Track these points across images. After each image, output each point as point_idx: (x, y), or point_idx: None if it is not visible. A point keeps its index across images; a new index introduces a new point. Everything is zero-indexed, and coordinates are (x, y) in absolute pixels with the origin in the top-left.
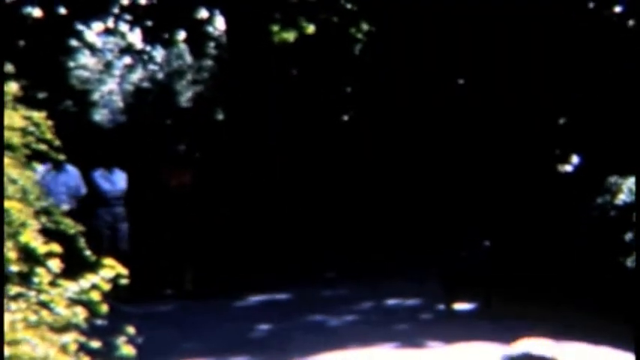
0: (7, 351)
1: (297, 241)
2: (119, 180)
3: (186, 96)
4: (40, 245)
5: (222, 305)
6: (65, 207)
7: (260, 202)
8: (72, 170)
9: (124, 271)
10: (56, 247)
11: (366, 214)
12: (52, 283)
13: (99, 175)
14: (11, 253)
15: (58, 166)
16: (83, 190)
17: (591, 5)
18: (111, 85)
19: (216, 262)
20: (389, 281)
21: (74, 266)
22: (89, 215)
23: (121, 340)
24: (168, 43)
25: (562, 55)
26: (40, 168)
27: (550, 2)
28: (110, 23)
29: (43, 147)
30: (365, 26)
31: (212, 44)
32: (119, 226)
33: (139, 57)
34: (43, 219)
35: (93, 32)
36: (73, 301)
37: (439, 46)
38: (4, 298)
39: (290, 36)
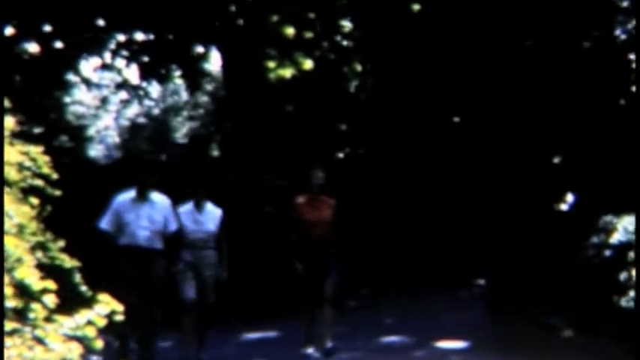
0: None
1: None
2: (208, 219)
3: (181, 132)
4: (35, 281)
5: (218, 341)
6: (142, 242)
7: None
8: (159, 202)
9: (119, 307)
10: (51, 284)
11: (357, 255)
12: (48, 319)
13: (186, 212)
14: (7, 289)
15: (142, 196)
16: (173, 227)
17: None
18: (107, 120)
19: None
20: (382, 319)
21: (69, 301)
22: (173, 259)
23: None
24: (164, 79)
25: (556, 93)
26: (120, 198)
27: (544, 41)
28: (107, 59)
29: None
30: (358, 67)
31: (208, 80)
32: (205, 274)
33: (135, 92)
34: (39, 254)
35: (89, 67)
36: (69, 337)
37: (434, 84)
38: None
39: (287, 72)
